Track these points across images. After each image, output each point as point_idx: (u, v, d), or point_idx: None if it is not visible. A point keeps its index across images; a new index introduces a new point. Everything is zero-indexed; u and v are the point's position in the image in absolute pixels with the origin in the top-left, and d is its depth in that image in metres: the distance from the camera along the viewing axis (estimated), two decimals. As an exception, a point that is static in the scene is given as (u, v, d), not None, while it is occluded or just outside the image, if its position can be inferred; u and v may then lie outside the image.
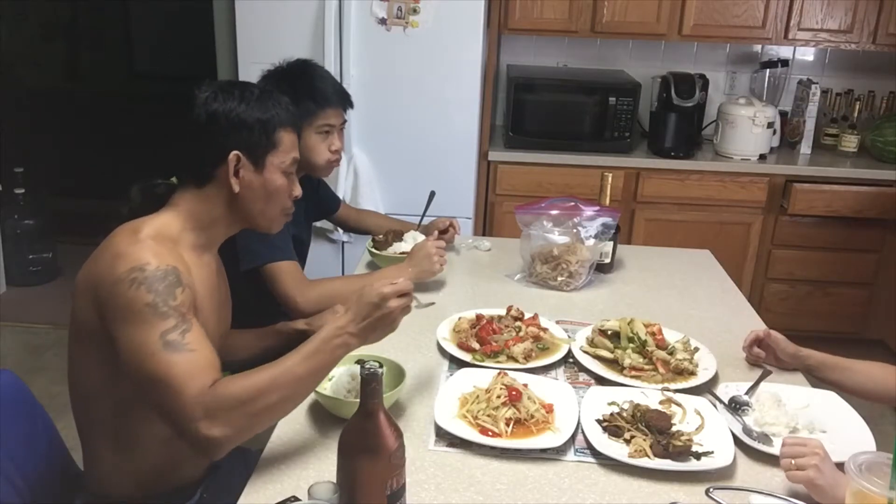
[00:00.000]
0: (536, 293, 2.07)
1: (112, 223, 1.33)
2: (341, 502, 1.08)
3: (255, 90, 1.39)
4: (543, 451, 1.35)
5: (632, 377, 1.59)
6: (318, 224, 2.55)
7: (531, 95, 3.39)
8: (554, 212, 2.14)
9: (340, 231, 3.07)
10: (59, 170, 4.95)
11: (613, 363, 1.64)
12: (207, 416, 1.15)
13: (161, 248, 1.27)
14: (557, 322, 1.84)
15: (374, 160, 3.16)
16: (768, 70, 3.65)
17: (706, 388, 1.57)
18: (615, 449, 1.34)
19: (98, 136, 5.16)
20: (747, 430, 1.41)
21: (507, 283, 2.12)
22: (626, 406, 1.46)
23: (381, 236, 2.24)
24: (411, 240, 2.18)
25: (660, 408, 1.46)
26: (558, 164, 3.33)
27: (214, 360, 1.23)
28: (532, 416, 1.39)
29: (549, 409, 1.44)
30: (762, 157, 3.41)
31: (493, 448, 1.35)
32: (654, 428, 1.37)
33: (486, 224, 3.43)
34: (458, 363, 1.65)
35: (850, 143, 3.55)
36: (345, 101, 1.99)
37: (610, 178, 2.20)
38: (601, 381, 1.61)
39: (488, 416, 1.39)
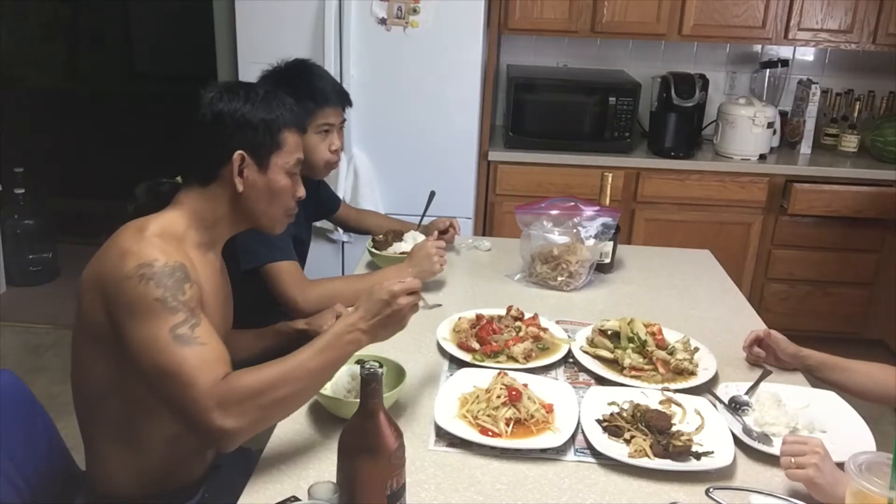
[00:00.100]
0: (536, 293, 2.07)
1: (115, 222, 1.34)
2: (341, 502, 1.08)
3: (259, 91, 1.40)
4: (543, 451, 1.35)
5: (632, 377, 1.59)
6: (318, 224, 2.55)
7: (531, 95, 3.39)
8: (554, 212, 2.14)
9: (340, 231, 3.07)
10: (59, 170, 4.95)
11: (613, 363, 1.64)
12: (220, 407, 1.16)
13: (167, 246, 1.28)
14: (557, 322, 1.84)
15: (374, 160, 3.16)
16: (768, 70, 3.65)
17: (706, 388, 1.57)
18: (615, 449, 1.34)
19: (98, 136, 5.16)
20: (747, 430, 1.41)
21: (507, 283, 2.12)
22: (626, 406, 1.46)
23: (381, 236, 2.24)
24: (411, 240, 2.18)
25: (660, 408, 1.46)
26: (558, 164, 3.33)
27: (225, 354, 1.24)
28: (532, 416, 1.39)
29: (549, 409, 1.44)
30: (762, 157, 3.41)
31: (493, 448, 1.35)
32: (654, 428, 1.37)
33: (486, 224, 3.43)
34: (458, 363, 1.65)
35: (850, 143, 3.55)
36: (344, 100, 1.99)
37: (610, 178, 2.20)
38: (601, 381, 1.61)
39: (488, 416, 1.39)
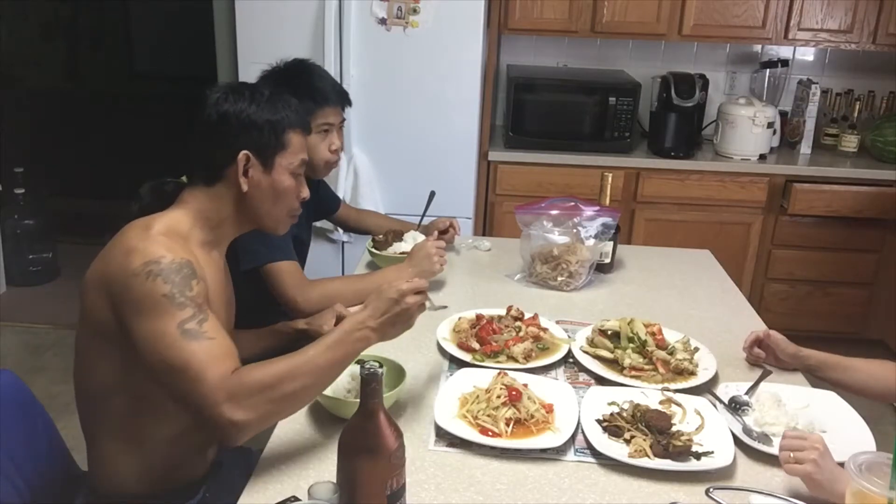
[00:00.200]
0: (536, 293, 2.07)
1: (117, 221, 1.35)
2: (341, 502, 1.08)
3: (265, 92, 1.41)
4: (543, 451, 1.35)
5: (632, 377, 1.59)
6: (318, 224, 2.55)
7: (531, 95, 3.39)
8: (554, 212, 2.14)
9: (340, 231, 3.07)
10: (59, 170, 4.95)
11: (613, 363, 1.64)
12: (230, 400, 1.17)
13: (173, 244, 1.28)
14: (557, 322, 1.84)
15: (374, 160, 3.16)
16: (768, 70, 3.65)
17: (706, 388, 1.57)
18: (615, 449, 1.35)
19: (98, 136, 5.16)
20: (747, 430, 1.41)
21: (507, 283, 2.12)
22: (626, 406, 1.46)
23: (381, 236, 2.24)
24: (411, 240, 2.18)
25: (660, 408, 1.46)
26: (558, 164, 3.33)
27: (233, 350, 1.25)
28: (532, 416, 1.39)
29: (549, 409, 1.44)
30: (762, 157, 3.41)
31: (493, 448, 1.35)
32: (654, 428, 1.37)
33: (486, 224, 3.43)
34: (458, 363, 1.65)
35: (850, 143, 3.55)
36: (343, 100, 2.00)
37: (610, 178, 2.20)
38: (601, 381, 1.61)
39: (488, 416, 1.39)
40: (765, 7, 3.33)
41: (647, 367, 1.61)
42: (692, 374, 1.60)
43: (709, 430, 1.40)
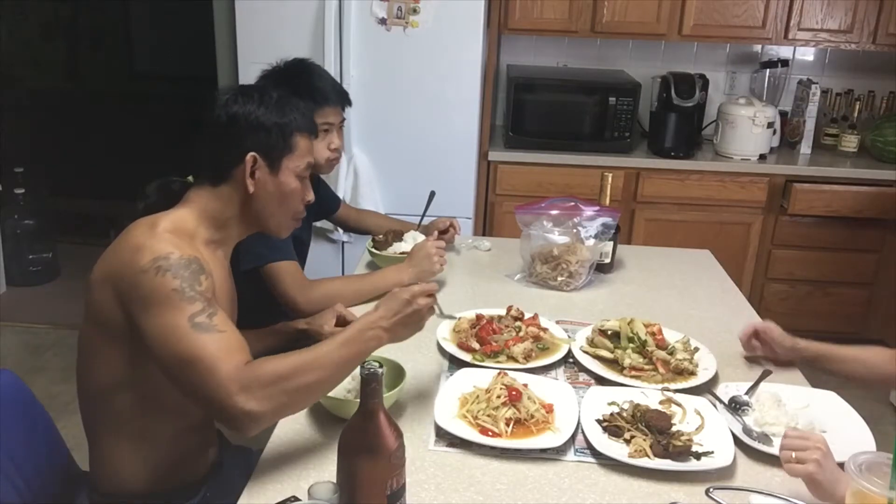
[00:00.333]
0: (536, 293, 2.07)
1: (118, 221, 1.36)
2: (341, 502, 1.08)
3: (274, 94, 1.42)
4: (543, 451, 1.35)
5: (632, 377, 1.59)
6: (318, 224, 2.55)
7: (531, 95, 3.39)
8: (554, 212, 2.14)
9: (340, 231, 3.07)
10: (59, 170, 4.95)
11: (613, 363, 1.64)
12: (244, 391, 1.17)
13: (180, 241, 1.29)
14: (557, 322, 1.84)
15: (374, 160, 3.16)
16: (768, 70, 3.65)
17: (706, 388, 1.57)
18: (615, 449, 1.35)
19: (98, 136, 5.16)
20: (747, 430, 1.41)
21: (507, 283, 2.12)
22: (626, 406, 1.46)
23: (381, 236, 2.24)
24: (411, 240, 2.18)
25: (660, 408, 1.46)
26: (558, 164, 3.33)
27: (243, 343, 1.25)
28: (532, 416, 1.39)
29: (549, 409, 1.44)
30: (762, 157, 3.41)
31: (493, 448, 1.35)
32: (654, 428, 1.37)
33: (486, 224, 3.43)
34: (458, 363, 1.65)
35: (850, 143, 3.55)
36: (343, 100, 2.00)
37: (610, 178, 2.20)
38: (601, 381, 1.61)
39: (488, 416, 1.39)
40: (765, 7, 3.33)
41: (647, 367, 1.61)
42: (692, 374, 1.60)
43: (709, 430, 1.40)
